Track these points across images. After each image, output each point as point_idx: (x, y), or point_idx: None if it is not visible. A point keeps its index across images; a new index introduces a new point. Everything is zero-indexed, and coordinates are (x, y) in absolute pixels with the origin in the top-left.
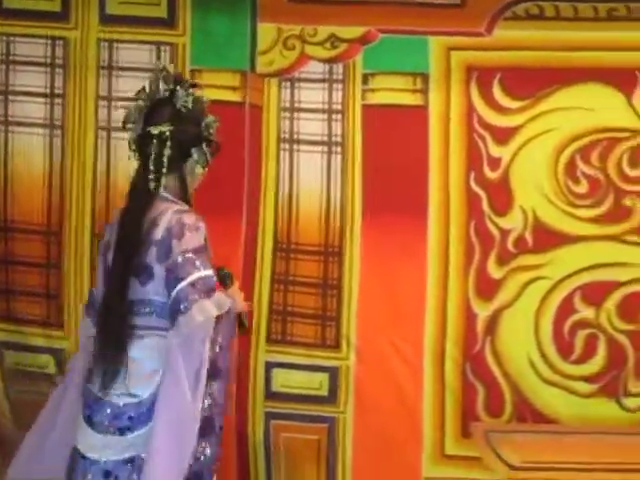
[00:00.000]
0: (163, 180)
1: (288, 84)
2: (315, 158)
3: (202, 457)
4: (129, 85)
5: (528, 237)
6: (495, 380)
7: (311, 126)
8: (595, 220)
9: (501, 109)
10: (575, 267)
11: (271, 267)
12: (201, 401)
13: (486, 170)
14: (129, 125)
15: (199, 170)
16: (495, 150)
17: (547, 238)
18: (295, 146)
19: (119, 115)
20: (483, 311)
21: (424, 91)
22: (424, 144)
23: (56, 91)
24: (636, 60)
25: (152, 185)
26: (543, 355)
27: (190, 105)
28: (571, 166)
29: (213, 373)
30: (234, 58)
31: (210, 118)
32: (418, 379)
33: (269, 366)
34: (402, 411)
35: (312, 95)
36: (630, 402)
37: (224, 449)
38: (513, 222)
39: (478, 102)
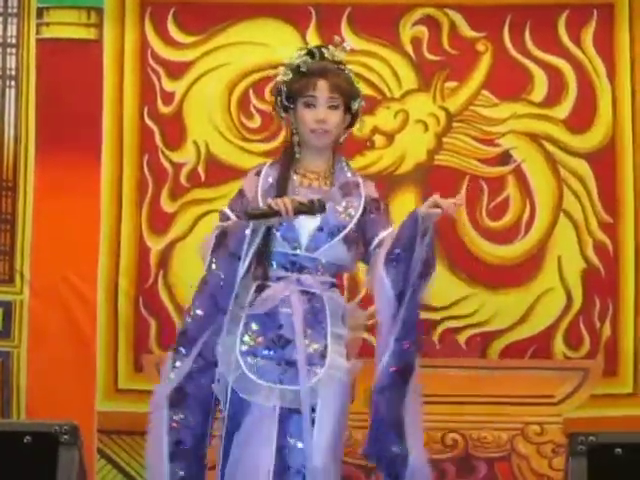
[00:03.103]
0: None
1: None
2: None
3: None
4: None
5: (201, 171)
6: (167, 313)
7: None
8: (268, 154)
9: (175, 44)
10: None
11: None
12: None
13: (160, 105)
14: None
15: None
16: (169, 85)
17: (220, 172)
18: None
19: None
20: (156, 245)
21: (98, 25)
22: (98, 79)
23: None
24: None
25: None
26: None
27: None
28: (244, 101)
29: None
30: None
31: None
32: (92, 313)
33: None
34: (76, 346)
35: None
36: None
37: None
38: (186, 156)
39: (152, 37)
